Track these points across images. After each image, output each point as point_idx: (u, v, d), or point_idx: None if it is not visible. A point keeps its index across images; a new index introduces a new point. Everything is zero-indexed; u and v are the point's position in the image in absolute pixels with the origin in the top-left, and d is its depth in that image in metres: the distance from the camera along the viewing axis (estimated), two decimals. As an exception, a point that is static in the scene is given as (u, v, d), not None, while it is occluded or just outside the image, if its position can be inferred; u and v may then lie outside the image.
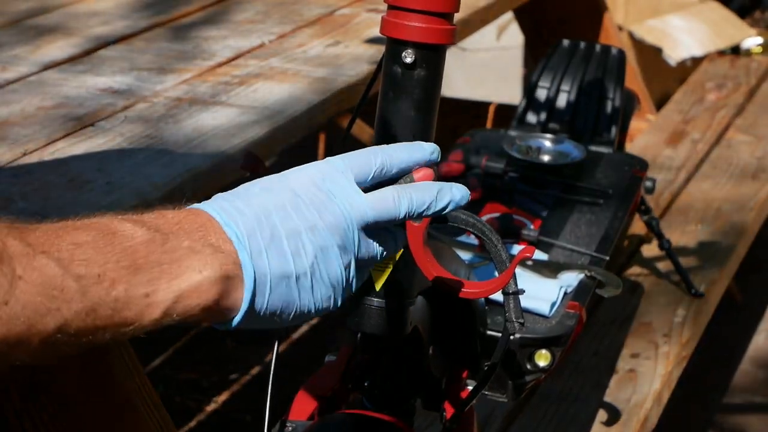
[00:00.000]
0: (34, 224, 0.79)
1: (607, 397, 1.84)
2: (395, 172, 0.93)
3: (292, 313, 0.87)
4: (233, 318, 0.85)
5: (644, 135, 2.75)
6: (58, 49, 2.00)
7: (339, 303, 0.90)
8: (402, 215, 0.91)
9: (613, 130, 1.88)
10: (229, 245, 0.84)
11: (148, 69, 1.89)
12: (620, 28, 3.26)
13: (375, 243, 0.91)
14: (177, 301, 0.81)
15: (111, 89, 1.82)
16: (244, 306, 0.84)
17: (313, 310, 0.88)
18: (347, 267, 0.89)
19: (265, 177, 0.92)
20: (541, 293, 1.42)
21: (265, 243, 0.85)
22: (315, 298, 0.88)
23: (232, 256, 0.84)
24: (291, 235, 0.86)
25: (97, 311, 0.78)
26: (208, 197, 0.90)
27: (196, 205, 0.87)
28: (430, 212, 0.92)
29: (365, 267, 0.91)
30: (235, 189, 0.90)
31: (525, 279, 1.45)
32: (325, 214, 0.88)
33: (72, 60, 1.95)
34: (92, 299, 0.77)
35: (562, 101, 1.91)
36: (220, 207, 0.87)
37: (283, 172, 0.93)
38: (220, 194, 0.90)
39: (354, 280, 0.90)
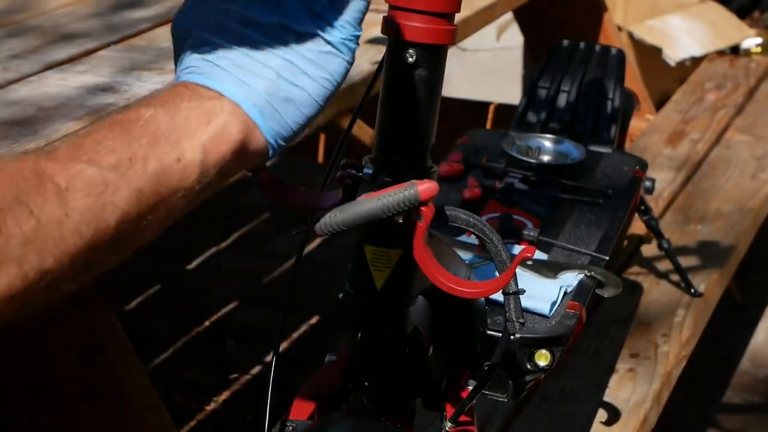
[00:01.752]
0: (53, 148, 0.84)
1: (607, 397, 1.84)
2: None
3: (311, 105, 0.91)
4: (267, 148, 0.90)
5: (644, 135, 2.75)
6: (58, 49, 2.00)
7: (346, 56, 0.93)
8: None
9: (613, 130, 1.88)
10: (215, 92, 0.88)
11: (148, 69, 1.89)
12: (620, 29, 3.26)
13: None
14: (206, 153, 0.86)
15: (111, 89, 1.82)
16: (263, 127, 0.89)
17: (331, 81, 0.92)
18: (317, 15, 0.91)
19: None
20: (541, 293, 1.42)
21: (241, 73, 0.89)
22: (315, 79, 0.91)
23: (224, 101, 0.88)
24: (253, 52, 0.89)
25: (144, 190, 0.82)
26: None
27: (183, 79, 0.92)
28: None
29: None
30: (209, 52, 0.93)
31: (525, 279, 1.45)
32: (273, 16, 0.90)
33: (72, 60, 1.95)
34: (135, 181, 0.82)
35: (561, 101, 1.91)
36: (197, 70, 0.91)
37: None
38: (192, 56, 0.93)
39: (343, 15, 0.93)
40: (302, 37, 0.90)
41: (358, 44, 0.94)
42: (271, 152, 0.91)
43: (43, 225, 0.76)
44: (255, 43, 0.90)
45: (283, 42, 0.90)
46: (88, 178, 0.80)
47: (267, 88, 0.89)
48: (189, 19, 0.95)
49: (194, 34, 0.94)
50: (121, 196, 0.81)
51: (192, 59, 0.93)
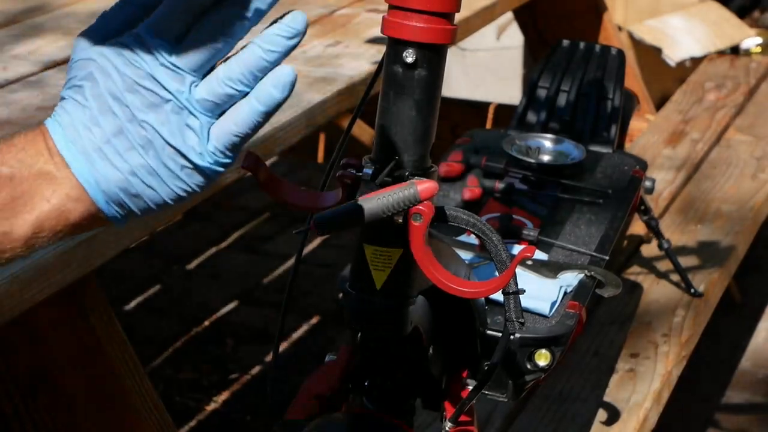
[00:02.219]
0: None
1: (607, 397, 1.84)
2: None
3: (162, 205, 0.87)
4: (111, 222, 0.87)
5: (644, 135, 2.75)
6: (58, 49, 2.00)
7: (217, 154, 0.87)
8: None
9: (613, 130, 1.88)
10: (69, 171, 0.85)
11: (148, 69, 1.89)
12: (620, 29, 3.26)
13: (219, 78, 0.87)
14: (37, 231, 0.85)
15: (111, 89, 1.81)
16: (108, 212, 0.86)
17: (188, 191, 0.87)
18: (190, 131, 0.86)
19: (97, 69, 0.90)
20: (541, 293, 1.42)
21: (104, 153, 0.86)
22: (171, 186, 0.87)
23: (74, 179, 0.85)
24: (119, 133, 0.85)
25: None
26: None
27: (46, 121, 0.88)
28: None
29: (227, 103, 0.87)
30: (71, 89, 0.89)
31: (525, 279, 1.45)
32: (146, 94, 0.86)
33: (72, 60, 1.95)
34: None
35: (561, 101, 1.91)
36: (62, 125, 0.87)
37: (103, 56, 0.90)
38: (65, 104, 0.89)
39: (217, 142, 0.87)
40: (169, 146, 0.85)
41: (226, 168, 0.88)
42: (116, 223, 0.88)
43: None
44: (121, 128, 0.85)
45: (149, 142, 0.85)
46: None
47: (119, 181, 0.85)
48: (95, 35, 0.92)
49: (86, 56, 0.90)
50: None
51: (70, 88, 0.89)
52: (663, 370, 1.90)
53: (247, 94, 0.87)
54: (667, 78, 3.46)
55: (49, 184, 0.85)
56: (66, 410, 1.37)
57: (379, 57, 1.08)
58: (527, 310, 1.37)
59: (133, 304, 2.93)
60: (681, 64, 3.38)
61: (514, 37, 3.59)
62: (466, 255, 1.48)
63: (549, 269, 1.49)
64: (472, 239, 1.53)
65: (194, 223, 3.22)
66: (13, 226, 0.84)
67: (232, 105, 0.87)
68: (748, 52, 3.47)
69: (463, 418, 1.22)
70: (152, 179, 0.86)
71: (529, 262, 1.49)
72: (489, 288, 1.03)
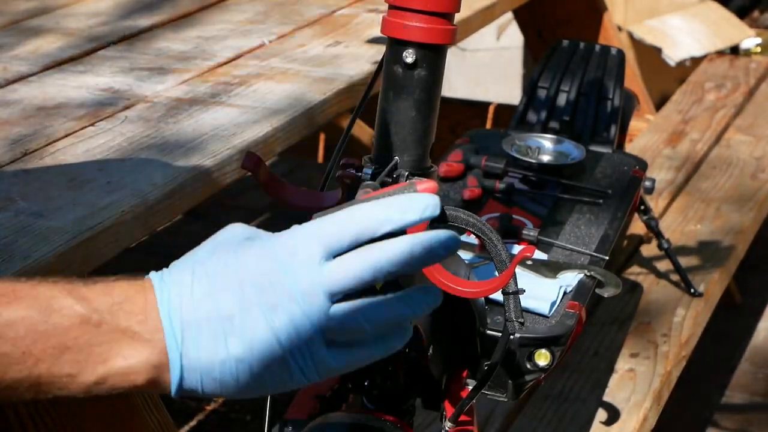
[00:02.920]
0: None
1: (607, 397, 1.84)
2: (382, 234, 0.87)
3: (236, 394, 0.86)
4: (170, 392, 0.86)
5: (644, 135, 2.75)
6: (58, 49, 2.00)
7: (314, 379, 0.86)
8: (371, 280, 0.86)
9: (613, 130, 1.88)
10: (161, 335, 0.84)
11: (148, 69, 1.90)
12: (620, 29, 3.26)
13: (360, 313, 0.85)
14: (100, 383, 0.83)
15: (111, 89, 1.82)
16: (173, 389, 0.85)
17: (271, 389, 0.86)
18: (310, 346, 0.85)
19: (230, 240, 0.89)
20: (541, 293, 1.42)
21: (203, 339, 0.84)
22: (266, 380, 0.85)
23: (161, 346, 0.84)
24: (231, 318, 0.84)
25: (16, 388, 0.80)
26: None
27: (152, 275, 0.87)
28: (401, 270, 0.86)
29: (353, 337, 0.87)
30: (201, 252, 0.88)
31: (525, 279, 1.45)
32: (277, 293, 0.84)
33: (72, 60, 1.95)
34: (13, 376, 0.80)
35: (561, 101, 1.91)
36: (169, 286, 0.85)
37: (251, 239, 0.89)
38: (184, 259, 0.88)
39: (332, 358, 0.86)
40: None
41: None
42: (173, 395, 0.86)
43: None
44: (234, 314, 0.84)
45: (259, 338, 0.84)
46: None
47: (207, 362, 0.83)
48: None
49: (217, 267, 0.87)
50: None
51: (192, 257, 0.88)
52: (663, 370, 1.90)
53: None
54: (667, 78, 3.46)
55: (131, 344, 0.83)
56: (66, 410, 1.37)
57: (379, 57, 1.08)
58: (527, 310, 1.37)
59: (133, 304, 2.93)
60: (681, 64, 3.38)
61: (514, 37, 3.59)
62: (465, 255, 1.48)
63: (549, 269, 1.49)
64: (472, 239, 1.53)
65: (194, 223, 3.22)
66: (81, 372, 0.82)
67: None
68: (747, 52, 3.47)
69: (463, 417, 1.22)
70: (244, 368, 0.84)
71: (529, 262, 1.49)
72: (489, 288, 1.03)
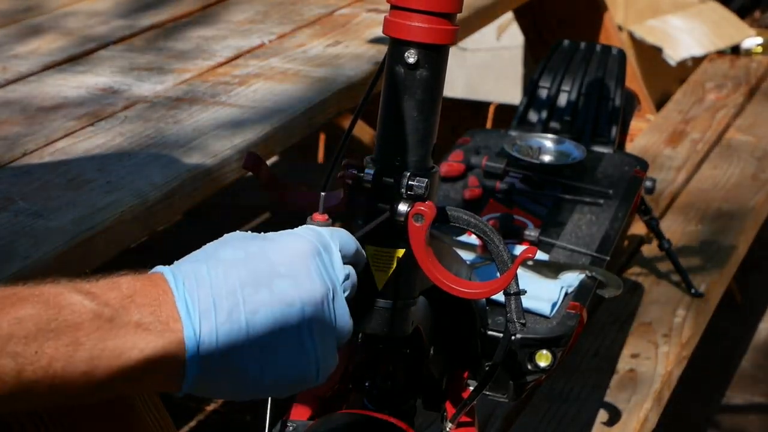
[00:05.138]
0: None
1: (607, 397, 1.84)
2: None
3: (251, 390, 0.87)
4: (181, 388, 0.85)
5: (644, 135, 2.75)
6: (58, 49, 2.00)
7: (316, 379, 0.89)
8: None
9: (614, 130, 1.88)
10: (178, 324, 0.83)
11: (148, 69, 1.89)
12: (620, 28, 3.26)
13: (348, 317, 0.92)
14: (115, 378, 0.81)
15: (111, 89, 1.81)
16: (186, 384, 0.84)
17: (284, 384, 0.88)
18: (322, 342, 0.88)
19: (245, 235, 0.91)
20: (542, 293, 1.42)
21: (219, 321, 0.84)
22: (278, 374, 0.87)
23: (178, 336, 0.83)
24: (253, 312, 0.85)
25: (33, 389, 0.78)
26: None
27: (159, 269, 0.87)
28: None
29: (342, 339, 0.92)
30: (209, 248, 0.90)
31: (526, 279, 1.45)
32: (304, 288, 0.88)
33: (72, 60, 1.95)
34: (28, 377, 0.78)
35: (562, 101, 1.91)
36: (183, 276, 0.86)
37: (268, 235, 0.92)
38: (190, 256, 0.89)
39: (329, 355, 0.90)
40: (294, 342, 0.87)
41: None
42: (182, 393, 0.86)
43: None
44: (264, 310, 0.86)
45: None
46: None
47: (232, 352, 0.84)
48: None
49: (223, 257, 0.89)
50: (6, 386, 0.77)
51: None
52: (663, 371, 1.90)
53: None
54: (668, 78, 3.46)
55: (146, 336, 0.82)
56: (66, 411, 1.37)
57: (379, 57, 1.08)
58: (528, 311, 1.37)
59: (132, 304, 2.93)
60: (681, 64, 3.38)
61: (514, 37, 3.59)
62: (467, 255, 1.47)
63: (550, 270, 1.49)
64: (474, 240, 1.53)
65: (194, 223, 3.21)
66: (97, 368, 0.80)
67: None
68: (748, 52, 3.47)
69: (463, 418, 1.22)
70: (277, 358, 0.86)
71: (530, 263, 1.49)
72: (491, 289, 1.03)
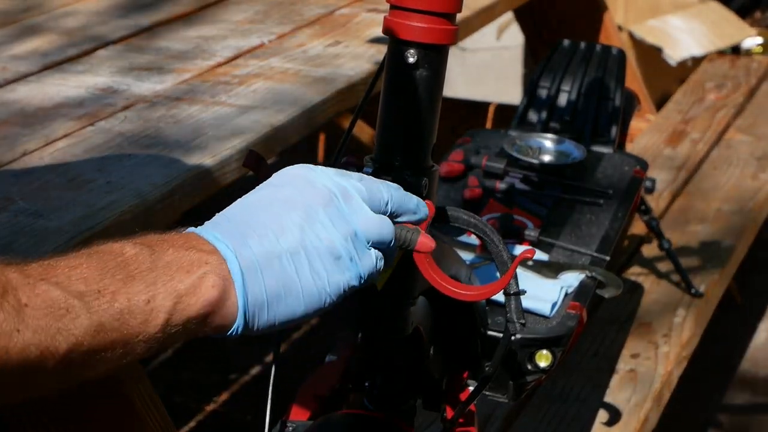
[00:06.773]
0: (27, 261, 0.82)
1: (607, 398, 1.84)
2: (396, 215, 0.97)
3: (289, 317, 0.90)
4: (232, 323, 0.87)
5: (644, 135, 2.75)
6: (57, 48, 2.00)
7: (327, 306, 0.92)
8: (393, 244, 0.97)
9: (614, 130, 1.88)
10: (215, 253, 0.87)
11: (147, 69, 1.89)
12: (620, 28, 3.26)
13: (375, 258, 0.95)
14: (177, 302, 0.84)
15: (111, 89, 1.81)
16: (240, 311, 0.87)
17: (306, 313, 0.91)
18: (346, 279, 0.92)
19: (274, 181, 0.99)
20: (542, 293, 1.42)
21: (252, 238, 0.89)
22: (307, 304, 0.91)
23: (218, 259, 0.87)
24: (287, 252, 0.90)
25: (105, 325, 0.80)
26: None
27: (189, 229, 0.91)
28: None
29: (368, 278, 0.95)
30: (238, 203, 0.96)
31: (526, 279, 1.45)
32: (337, 225, 0.92)
33: (72, 60, 1.95)
34: (98, 313, 0.80)
35: (562, 101, 1.91)
36: (208, 225, 0.90)
37: (296, 174, 1.02)
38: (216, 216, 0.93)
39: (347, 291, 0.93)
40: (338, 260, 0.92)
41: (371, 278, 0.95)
42: (235, 328, 0.88)
43: None
44: (297, 251, 0.90)
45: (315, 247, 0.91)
46: (50, 300, 0.78)
47: (276, 287, 0.88)
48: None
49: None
50: (80, 324, 0.79)
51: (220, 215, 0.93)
52: (663, 371, 1.90)
53: None
54: (668, 78, 3.46)
55: (191, 257, 0.86)
56: (66, 411, 1.37)
57: (379, 57, 1.08)
58: (528, 311, 1.37)
59: (132, 304, 2.93)
60: (681, 64, 3.38)
61: (514, 37, 3.59)
62: (467, 255, 1.47)
63: (550, 270, 1.49)
64: (473, 239, 1.53)
65: (194, 223, 3.21)
66: (155, 295, 0.83)
67: None
68: (748, 52, 3.47)
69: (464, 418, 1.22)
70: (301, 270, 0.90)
71: (530, 263, 1.49)
72: (489, 290, 1.03)
